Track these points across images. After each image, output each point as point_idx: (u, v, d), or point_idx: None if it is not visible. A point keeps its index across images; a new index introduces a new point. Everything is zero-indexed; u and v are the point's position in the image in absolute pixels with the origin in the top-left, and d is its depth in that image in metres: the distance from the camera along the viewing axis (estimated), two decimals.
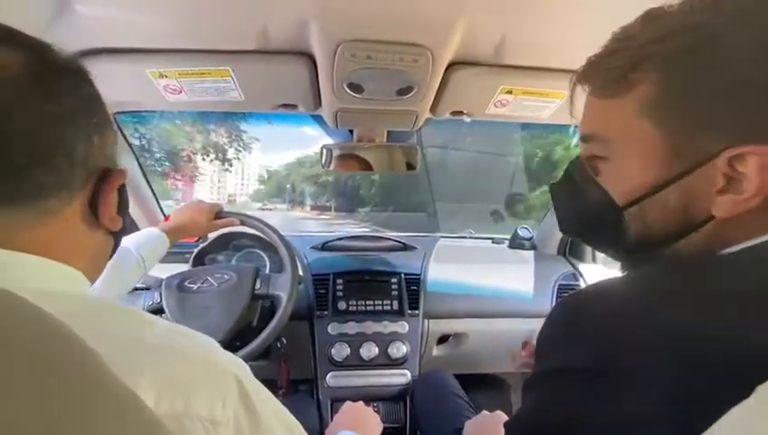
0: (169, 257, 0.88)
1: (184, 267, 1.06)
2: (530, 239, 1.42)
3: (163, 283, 0.90)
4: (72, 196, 0.33)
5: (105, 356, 0.21)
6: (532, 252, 1.39)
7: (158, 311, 0.88)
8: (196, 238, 1.21)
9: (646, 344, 0.29)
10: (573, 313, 0.35)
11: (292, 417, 0.38)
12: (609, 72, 0.35)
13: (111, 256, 0.42)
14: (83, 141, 0.33)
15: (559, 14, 0.59)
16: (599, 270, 1.31)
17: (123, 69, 0.68)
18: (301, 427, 0.38)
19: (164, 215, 1.23)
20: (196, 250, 1.17)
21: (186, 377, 0.29)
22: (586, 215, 0.40)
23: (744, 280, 0.30)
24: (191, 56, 0.68)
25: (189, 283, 0.90)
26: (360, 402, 0.78)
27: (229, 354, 0.34)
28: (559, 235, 1.39)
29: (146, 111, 0.88)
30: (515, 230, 1.44)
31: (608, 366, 0.30)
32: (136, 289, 0.92)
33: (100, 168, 0.35)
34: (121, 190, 0.38)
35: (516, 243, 1.42)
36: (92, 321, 0.28)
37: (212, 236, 1.20)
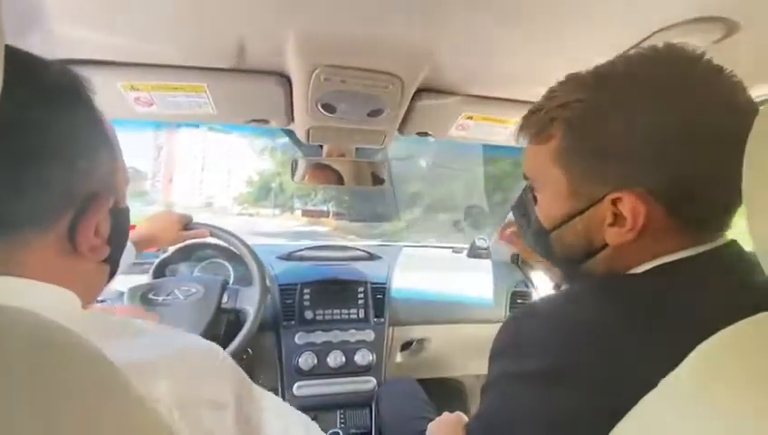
0: (127, 268, 0.86)
1: (143, 278, 1.03)
2: (486, 249, 1.51)
3: (125, 294, 0.87)
4: (48, 226, 0.31)
5: (118, 359, 0.23)
6: (488, 261, 1.48)
7: None
8: (157, 248, 1.17)
9: (574, 348, 0.36)
10: (520, 326, 0.42)
11: (282, 401, 0.41)
12: (534, 125, 0.43)
13: (109, 282, 0.41)
14: (66, 169, 0.31)
15: (519, 52, 0.66)
16: (547, 277, 1.42)
17: (93, 80, 0.67)
18: (293, 409, 0.41)
19: None
20: (157, 261, 1.14)
21: (190, 366, 0.31)
22: (531, 233, 0.49)
23: (642, 294, 0.37)
24: (166, 71, 0.68)
25: (153, 295, 0.88)
26: None
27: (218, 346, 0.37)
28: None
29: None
30: (473, 241, 1.53)
31: (547, 369, 0.36)
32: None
33: (86, 193, 0.33)
34: (117, 215, 0.37)
35: (474, 252, 1.51)
36: (95, 329, 0.30)
37: (173, 246, 1.17)
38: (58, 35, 0.58)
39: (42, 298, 0.32)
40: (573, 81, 0.41)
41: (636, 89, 0.38)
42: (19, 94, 0.27)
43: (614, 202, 0.38)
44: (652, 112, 0.36)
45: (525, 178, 0.48)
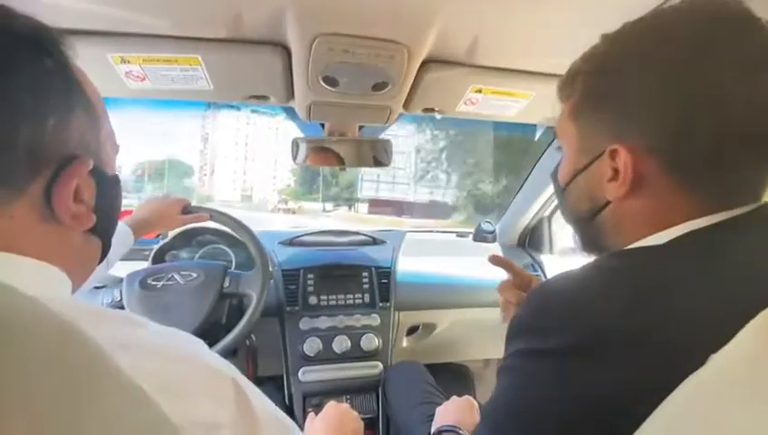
0: (126, 254, 0.83)
1: (143, 265, 1.00)
2: (492, 232, 1.48)
3: (124, 280, 0.85)
4: (19, 189, 0.29)
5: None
6: (495, 244, 1.45)
7: (117, 309, 0.83)
8: (156, 234, 1.15)
9: (605, 327, 0.33)
10: (542, 301, 0.39)
11: (286, 416, 0.38)
12: (562, 83, 0.44)
13: (102, 260, 0.38)
14: (31, 126, 0.29)
15: (529, 19, 0.62)
16: (556, 260, 1.40)
17: (81, 53, 0.63)
18: (295, 425, 0.38)
19: None
20: (156, 247, 1.12)
21: (184, 379, 0.28)
22: (557, 195, 0.51)
23: (672, 266, 0.35)
24: (158, 42, 0.64)
25: (153, 280, 0.85)
26: (346, 405, 0.76)
27: (219, 356, 0.34)
28: (519, 228, 1.46)
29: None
30: (479, 224, 1.50)
31: (575, 345, 0.33)
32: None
33: (60, 155, 0.31)
34: (102, 180, 0.34)
35: (480, 236, 1.48)
36: (83, 325, 0.27)
37: (173, 231, 1.15)
38: (43, 3, 0.55)
39: (25, 276, 0.29)
40: (605, 37, 0.41)
41: (646, 42, 0.37)
42: None
43: (612, 155, 0.38)
44: (656, 67, 0.36)
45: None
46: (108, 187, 0.36)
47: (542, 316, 0.37)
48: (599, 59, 0.40)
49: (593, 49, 0.42)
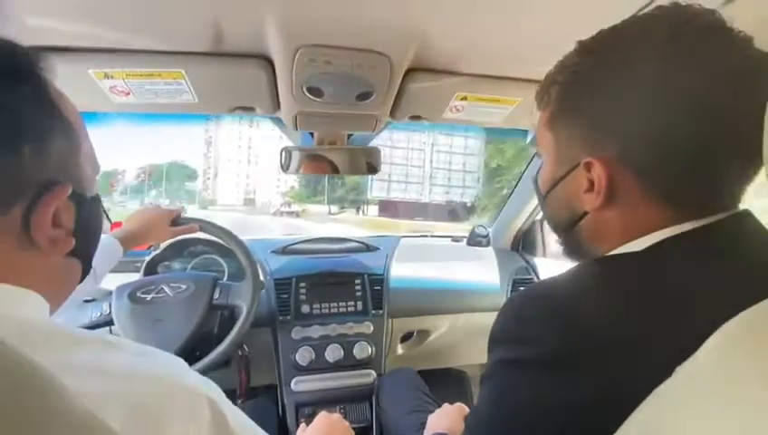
0: (117, 266, 0.83)
1: (134, 277, 1.00)
2: (486, 236, 1.48)
3: (113, 293, 0.85)
4: None
5: (68, 387, 0.20)
6: (490, 248, 1.45)
7: (106, 323, 0.83)
8: (148, 246, 1.15)
9: (586, 336, 0.32)
10: (519, 310, 0.39)
11: (264, 433, 0.38)
12: (539, 91, 0.44)
13: (82, 280, 0.38)
14: (6, 155, 0.28)
15: (512, 26, 0.62)
16: (549, 263, 1.39)
17: (63, 70, 0.63)
18: None
19: (109, 220, 1.16)
20: (147, 258, 1.12)
21: (155, 402, 0.28)
22: (539, 201, 0.50)
23: (647, 274, 0.35)
24: (140, 57, 0.65)
25: (142, 293, 0.85)
26: (337, 415, 0.76)
27: (198, 376, 0.34)
28: (512, 231, 1.46)
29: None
30: (473, 229, 1.50)
31: (550, 356, 0.33)
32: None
33: (38, 182, 0.30)
34: (81, 204, 0.34)
35: (474, 240, 1.48)
36: (52, 350, 0.27)
37: (164, 242, 1.15)
38: (21, 22, 0.55)
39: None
40: (578, 46, 0.41)
41: (620, 52, 0.37)
42: None
43: (587, 168, 0.39)
44: (628, 77, 0.36)
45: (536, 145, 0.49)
46: (87, 209, 0.35)
47: (523, 324, 0.37)
48: (570, 70, 0.40)
49: (566, 59, 0.41)
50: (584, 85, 0.39)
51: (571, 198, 0.42)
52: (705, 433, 0.22)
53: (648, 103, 0.34)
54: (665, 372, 0.26)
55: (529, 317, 0.37)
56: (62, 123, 0.33)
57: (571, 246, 0.47)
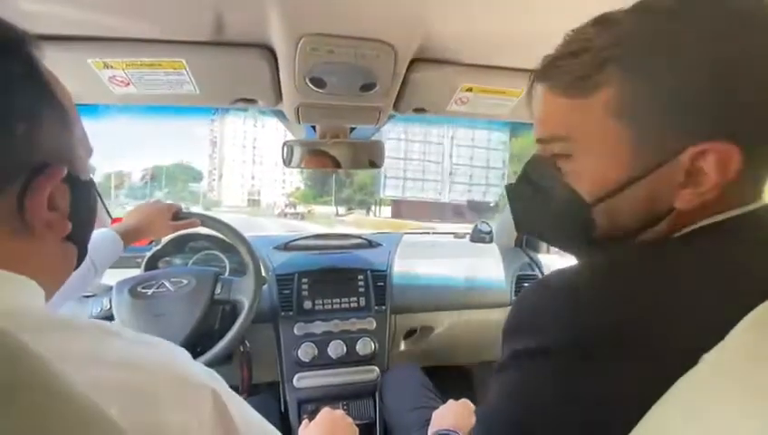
0: (118, 262, 0.82)
1: (135, 272, 0.99)
2: (489, 233, 1.47)
3: (113, 288, 0.84)
4: None
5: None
6: (493, 244, 1.44)
7: (106, 318, 0.82)
8: (149, 241, 1.14)
9: (606, 325, 0.31)
10: (537, 299, 0.37)
11: (271, 426, 0.37)
12: (572, 72, 0.35)
13: (78, 266, 0.37)
14: None
15: (517, 15, 0.61)
16: (554, 260, 1.38)
17: (62, 58, 0.62)
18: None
19: (109, 215, 1.15)
20: (148, 254, 1.11)
21: (152, 389, 0.27)
22: (551, 213, 0.40)
23: (698, 256, 0.33)
24: (140, 46, 0.64)
25: (143, 288, 0.84)
26: (340, 411, 0.75)
27: (202, 366, 0.33)
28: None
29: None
30: (476, 225, 1.49)
31: (570, 345, 0.32)
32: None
33: (32, 163, 0.29)
34: (76, 186, 0.33)
35: (477, 237, 1.47)
36: (49, 338, 0.26)
37: (165, 238, 1.14)
38: (16, 8, 0.54)
39: None
40: (614, 16, 0.34)
41: (719, 13, 0.30)
42: None
43: (695, 157, 0.31)
44: (742, 42, 0.29)
45: (542, 141, 0.39)
46: (82, 192, 0.34)
47: (539, 314, 0.35)
48: (651, 41, 0.32)
49: (621, 26, 0.33)
50: (679, 56, 0.31)
51: (655, 197, 0.34)
52: (734, 419, 0.21)
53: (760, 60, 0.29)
54: (692, 358, 0.25)
55: (547, 307, 0.35)
56: (55, 104, 0.32)
57: (596, 243, 0.39)
